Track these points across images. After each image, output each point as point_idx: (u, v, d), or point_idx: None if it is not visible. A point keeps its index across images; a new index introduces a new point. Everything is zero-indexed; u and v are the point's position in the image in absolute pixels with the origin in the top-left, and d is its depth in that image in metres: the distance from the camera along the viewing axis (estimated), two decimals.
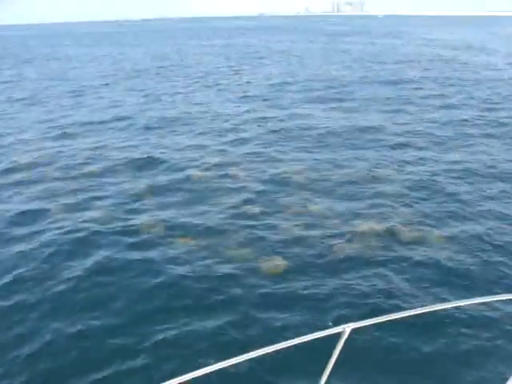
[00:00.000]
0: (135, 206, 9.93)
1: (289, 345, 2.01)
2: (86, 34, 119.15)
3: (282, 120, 17.49)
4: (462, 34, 76.39)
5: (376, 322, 2.20)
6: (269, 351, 1.99)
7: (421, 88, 23.88)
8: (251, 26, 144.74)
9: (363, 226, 8.66)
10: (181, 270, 7.29)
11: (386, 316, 2.22)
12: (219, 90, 24.96)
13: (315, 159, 12.82)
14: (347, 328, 2.10)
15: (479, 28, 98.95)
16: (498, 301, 5.55)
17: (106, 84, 28.30)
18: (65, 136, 16.04)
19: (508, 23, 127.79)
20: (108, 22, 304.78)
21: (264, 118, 17.96)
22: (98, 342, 5.77)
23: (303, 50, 49.01)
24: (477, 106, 19.40)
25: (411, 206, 9.63)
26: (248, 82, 27.19)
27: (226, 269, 7.33)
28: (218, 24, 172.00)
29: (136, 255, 7.76)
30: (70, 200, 10.34)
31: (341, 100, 21.18)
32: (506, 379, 2.65)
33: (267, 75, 29.70)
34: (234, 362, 1.92)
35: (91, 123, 17.86)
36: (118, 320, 6.17)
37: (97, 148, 14.37)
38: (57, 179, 11.77)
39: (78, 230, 8.67)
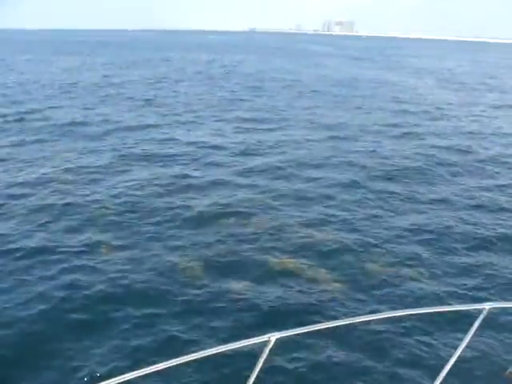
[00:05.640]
0: None
1: (213, 352, 2.00)
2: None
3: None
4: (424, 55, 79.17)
5: (301, 332, 2.19)
6: (192, 358, 1.96)
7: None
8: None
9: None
10: None
11: (310, 326, 2.21)
12: None
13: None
14: (272, 337, 2.11)
15: (462, 54, 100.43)
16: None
17: None
18: None
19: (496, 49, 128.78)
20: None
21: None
22: None
23: None
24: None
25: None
26: None
27: None
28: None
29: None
30: None
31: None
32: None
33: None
34: (154, 370, 1.88)
35: None
36: None
37: None
38: None
39: None
